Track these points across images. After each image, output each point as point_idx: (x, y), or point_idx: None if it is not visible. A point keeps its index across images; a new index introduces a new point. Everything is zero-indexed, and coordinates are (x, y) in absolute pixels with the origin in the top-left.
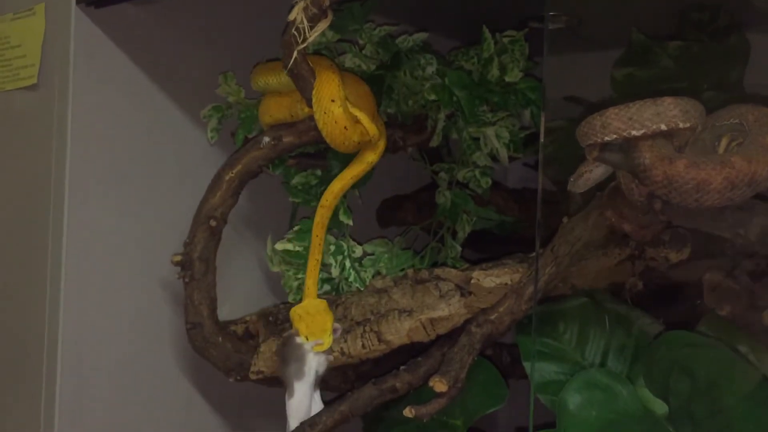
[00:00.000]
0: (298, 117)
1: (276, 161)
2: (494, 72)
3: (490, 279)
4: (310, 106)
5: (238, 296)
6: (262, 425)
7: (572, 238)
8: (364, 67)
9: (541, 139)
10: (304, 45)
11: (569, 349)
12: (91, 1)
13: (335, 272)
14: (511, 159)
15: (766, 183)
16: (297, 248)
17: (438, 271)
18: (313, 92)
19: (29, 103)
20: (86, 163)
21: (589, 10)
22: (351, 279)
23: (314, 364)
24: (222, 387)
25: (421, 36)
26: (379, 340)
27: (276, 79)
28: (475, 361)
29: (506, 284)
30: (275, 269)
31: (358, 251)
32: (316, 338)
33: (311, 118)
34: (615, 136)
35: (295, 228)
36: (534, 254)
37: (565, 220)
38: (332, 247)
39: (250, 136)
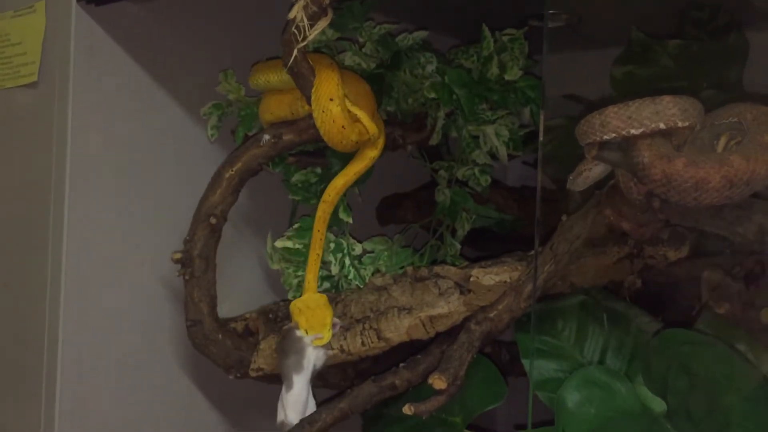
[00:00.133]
0: (298, 114)
1: (276, 159)
2: (494, 70)
3: (490, 277)
4: (309, 104)
5: (238, 293)
6: (262, 422)
7: (571, 236)
8: (363, 65)
9: (541, 138)
10: (305, 43)
11: (568, 346)
12: None
13: (335, 270)
14: (510, 157)
15: (764, 182)
16: (297, 246)
17: (437, 268)
18: (312, 90)
19: (29, 101)
20: (86, 161)
21: (588, 8)
22: (350, 276)
23: (313, 357)
24: (222, 384)
25: (420, 34)
26: (379, 338)
27: (277, 76)
28: (474, 358)
29: (505, 282)
30: (275, 267)
31: (358, 249)
32: (315, 332)
33: (311, 116)
34: (614, 134)
35: (295, 225)
36: (533, 252)
37: (564, 218)
38: (332, 245)
39: (250, 134)
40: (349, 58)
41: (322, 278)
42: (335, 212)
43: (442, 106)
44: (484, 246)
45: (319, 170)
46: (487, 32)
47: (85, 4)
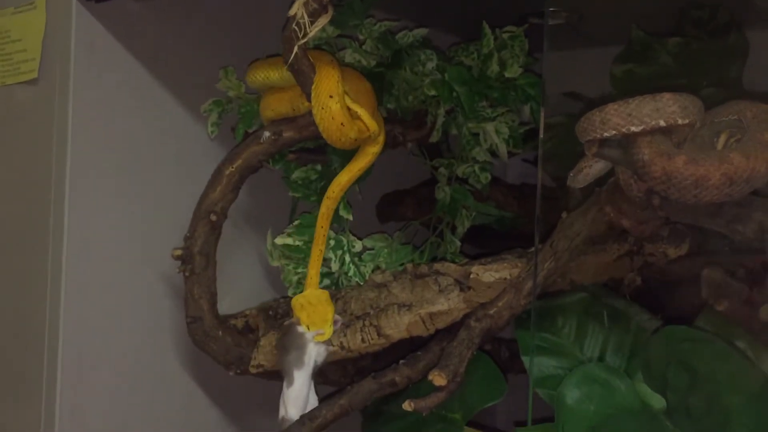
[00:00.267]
0: (299, 111)
1: (276, 156)
2: (494, 68)
3: (490, 274)
4: (310, 101)
5: (238, 290)
6: (263, 419)
7: (571, 233)
8: (364, 62)
9: (541, 135)
10: (305, 40)
11: (568, 343)
12: None
13: (335, 267)
14: (510, 155)
15: (764, 179)
16: (297, 243)
17: (437, 265)
18: (312, 87)
19: (30, 98)
20: (87, 158)
21: (589, 6)
22: (351, 273)
23: (314, 353)
24: (222, 381)
25: (421, 32)
26: (379, 335)
27: (277, 73)
28: (474, 355)
29: (505, 279)
30: (275, 264)
31: (358, 246)
32: (317, 328)
33: (311, 113)
34: (614, 131)
35: (295, 223)
36: (533, 249)
37: (564, 215)
38: (332, 242)
39: (250, 131)
40: (349, 56)
41: (322, 275)
42: (335, 209)
43: (443, 104)
44: (484, 243)
45: (319, 167)
46: (487, 29)
47: (86, 0)
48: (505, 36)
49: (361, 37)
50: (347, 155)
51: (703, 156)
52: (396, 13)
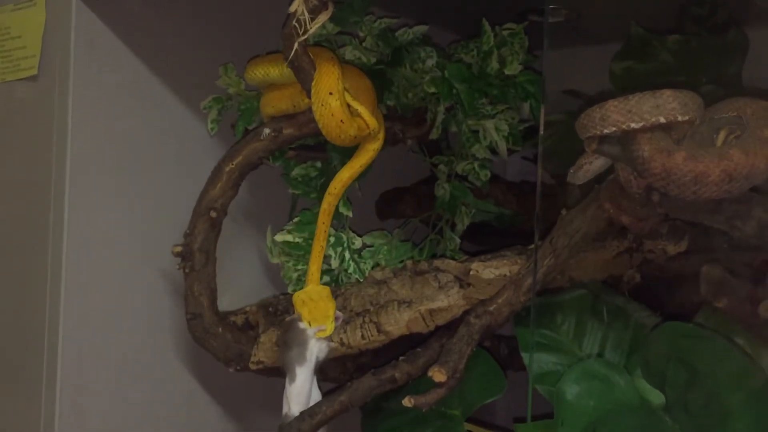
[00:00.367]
0: (300, 108)
1: (276, 153)
2: (494, 65)
3: (489, 270)
4: (310, 97)
5: (237, 287)
6: (263, 416)
7: (571, 230)
8: (364, 59)
9: (541, 132)
10: (305, 37)
11: (567, 340)
12: None
13: (335, 263)
14: (509, 152)
15: (763, 176)
16: (297, 239)
17: (437, 262)
18: (312, 84)
19: (30, 94)
20: (87, 154)
21: (588, 3)
22: (350, 270)
23: (315, 349)
24: (222, 378)
25: (421, 29)
26: (379, 331)
27: (277, 70)
28: (474, 352)
29: (505, 276)
30: (275, 260)
31: (358, 243)
32: (318, 324)
33: (311, 109)
34: (614, 128)
35: (295, 219)
36: (533, 246)
37: (563, 212)
38: (332, 239)
39: (250, 128)
40: (349, 53)
41: (322, 272)
42: (336, 206)
43: (442, 101)
44: (483, 240)
45: (319, 164)
46: (487, 27)
47: None
48: (505, 33)
49: (361, 35)
50: (347, 152)
51: (702, 153)
52: (396, 11)
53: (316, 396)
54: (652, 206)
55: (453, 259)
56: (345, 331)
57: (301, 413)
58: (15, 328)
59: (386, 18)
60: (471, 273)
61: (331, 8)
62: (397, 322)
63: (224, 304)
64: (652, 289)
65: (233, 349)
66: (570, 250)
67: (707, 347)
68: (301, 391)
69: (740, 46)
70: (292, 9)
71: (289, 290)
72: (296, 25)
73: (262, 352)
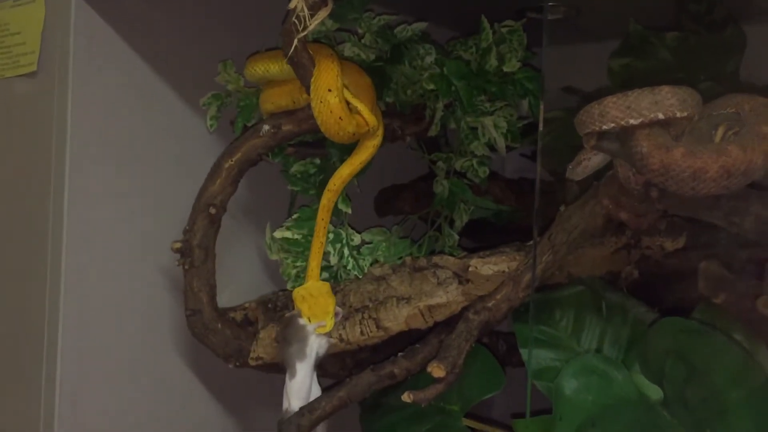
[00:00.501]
0: (300, 104)
1: (275, 149)
2: (492, 62)
3: (488, 267)
4: (309, 94)
5: (237, 283)
6: (263, 412)
7: (569, 226)
8: (363, 56)
9: (540, 129)
10: (305, 33)
11: (565, 336)
12: None
13: (334, 260)
14: (508, 149)
15: (761, 171)
16: (296, 236)
17: (436, 258)
18: (311, 81)
19: (29, 91)
20: (86, 151)
21: (587, 0)
22: (349, 267)
23: (315, 345)
24: (222, 374)
25: (419, 26)
26: (378, 327)
27: (277, 66)
28: (473, 348)
29: (504, 272)
30: (274, 257)
31: (357, 239)
32: (318, 320)
33: (311, 106)
34: (613, 124)
35: (294, 216)
36: (531, 242)
37: (562, 208)
38: (331, 235)
39: (249, 125)
40: (348, 49)
41: (321, 268)
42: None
43: (441, 98)
44: (481, 237)
45: (318, 161)
46: (486, 24)
47: None
48: (504, 30)
49: (360, 31)
50: (346, 149)
51: (700, 148)
52: (394, 8)
53: (316, 392)
54: (651, 202)
55: (452, 255)
56: (344, 327)
57: (300, 409)
58: (14, 325)
59: (385, 15)
60: (470, 269)
61: (330, 5)
62: (396, 318)
63: (223, 300)
64: (651, 285)
65: (232, 345)
66: (568, 247)
67: (705, 343)
68: (301, 387)
69: (738, 43)
70: (291, 5)
71: (288, 287)
72: (296, 21)
73: (261, 348)
